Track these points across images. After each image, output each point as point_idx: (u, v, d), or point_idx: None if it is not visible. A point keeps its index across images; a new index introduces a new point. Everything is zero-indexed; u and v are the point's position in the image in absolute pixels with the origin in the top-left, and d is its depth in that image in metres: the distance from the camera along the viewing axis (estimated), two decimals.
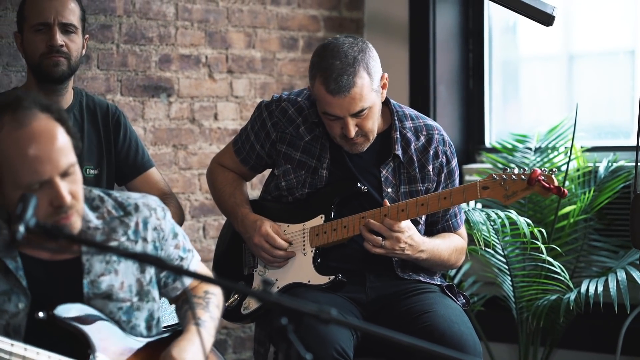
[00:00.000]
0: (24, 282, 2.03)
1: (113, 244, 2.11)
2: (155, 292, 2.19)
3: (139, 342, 2.13)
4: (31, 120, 1.96)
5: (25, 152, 1.95)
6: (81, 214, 2.05)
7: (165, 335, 2.19)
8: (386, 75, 2.76)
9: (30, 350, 1.92)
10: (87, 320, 2.05)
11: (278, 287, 2.82)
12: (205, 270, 2.36)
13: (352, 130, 2.69)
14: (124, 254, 2.06)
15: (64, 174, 1.99)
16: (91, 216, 2.11)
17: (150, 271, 2.17)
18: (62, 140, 1.99)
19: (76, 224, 2.02)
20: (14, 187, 1.96)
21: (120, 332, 2.10)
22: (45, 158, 1.95)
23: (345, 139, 2.72)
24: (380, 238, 2.68)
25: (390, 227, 2.67)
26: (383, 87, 2.75)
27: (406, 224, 2.69)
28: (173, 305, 2.41)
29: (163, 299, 2.62)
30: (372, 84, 2.69)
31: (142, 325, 2.15)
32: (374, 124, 2.74)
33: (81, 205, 2.04)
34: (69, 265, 2.09)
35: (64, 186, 1.98)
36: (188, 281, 2.27)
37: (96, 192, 2.15)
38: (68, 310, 2.02)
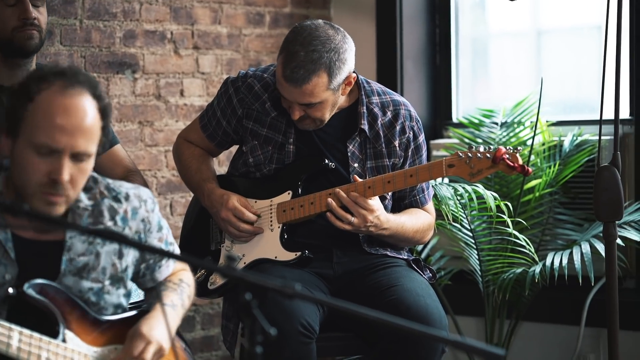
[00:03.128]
0: (12, 253, 2.04)
1: (99, 227, 2.12)
2: (128, 282, 2.20)
3: (106, 320, 2.14)
4: (77, 95, 2.00)
5: (55, 116, 1.97)
6: (69, 203, 2.06)
7: (132, 313, 2.20)
8: (354, 75, 2.72)
9: (3, 326, 1.93)
10: (56, 297, 2.05)
11: (245, 263, 2.82)
12: (183, 264, 2.37)
13: (296, 115, 2.70)
14: (89, 231, 2.06)
15: (76, 157, 2.01)
16: (82, 196, 2.13)
17: (127, 260, 2.18)
18: (92, 128, 2.01)
19: (59, 209, 2.03)
20: (27, 143, 1.99)
21: (87, 310, 2.11)
22: (69, 130, 1.98)
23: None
24: (350, 215, 2.68)
25: (357, 202, 2.67)
26: (347, 84, 2.73)
27: (375, 203, 2.69)
28: None
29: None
30: (331, 84, 2.66)
31: (109, 310, 2.16)
32: (324, 114, 2.73)
33: (74, 196, 2.05)
34: (52, 245, 2.10)
35: (68, 165, 2.00)
36: (165, 274, 2.29)
37: (90, 173, 2.15)
38: (37, 287, 2.03)
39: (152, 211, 2.21)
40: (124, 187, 2.19)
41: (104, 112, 2.05)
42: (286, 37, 2.71)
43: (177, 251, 2.32)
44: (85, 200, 2.13)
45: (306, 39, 2.64)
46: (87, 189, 2.14)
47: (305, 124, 2.75)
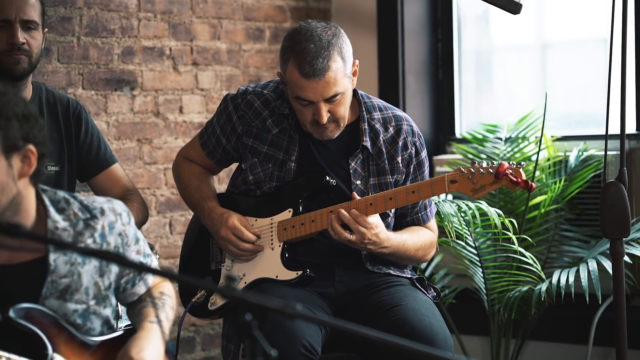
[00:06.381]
0: None
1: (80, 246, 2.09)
2: (112, 299, 2.18)
3: (94, 342, 2.11)
4: None
5: None
6: None
7: (119, 333, 2.18)
8: (357, 62, 2.74)
9: None
10: (42, 321, 2.02)
11: (245, 283, 2.78)
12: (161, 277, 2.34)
13: (325, 116, 2.66)
14: (84, 250, 2.01)
15: None
16: (58, 217, 2.09)
17: (110, 277, 2.16)
18: None
19: None
20: None
21: (74, 333, 2.08)
22: None
23: (316, 125, 2.69)
24: (349, 232, 2.64)
25: (357, 220, 2.63)
26: (354, 74, 2.73)
27: (375, 221, 2.65)
28: None
29: None
30: (345, 69, 2.67)
31: (97, 330, 2.14)
32: (346, 110, 2.71)
33: None
34: (28, 267, 2.07)
35: None
36: (145, 287, 2.27)
37: (61, 194, 2.13)
38: (23, 311, 2.00)
39: (128, 224, 2.18)
40: (97, 202, 2.16)
41: None
42: (286, 44, 2.69)
43: (155, 262, 2.30)
44: (61, 222, 2.10)
45: (307, 34, 2.65)
46: (61, 210, 2.11)
47: (329, 129, 2.70)
